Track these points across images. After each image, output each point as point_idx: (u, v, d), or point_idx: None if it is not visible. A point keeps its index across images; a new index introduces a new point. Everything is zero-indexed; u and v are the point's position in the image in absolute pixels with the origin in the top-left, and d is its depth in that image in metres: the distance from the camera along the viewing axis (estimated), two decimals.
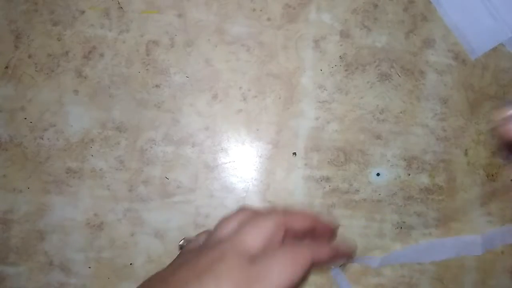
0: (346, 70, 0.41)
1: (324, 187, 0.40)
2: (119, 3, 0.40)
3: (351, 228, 0.40)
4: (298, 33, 0.41)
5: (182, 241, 0.26)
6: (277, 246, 0.22)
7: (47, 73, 0.39)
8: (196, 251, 0.23)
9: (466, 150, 0.41)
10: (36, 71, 0.39)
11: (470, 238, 0.41)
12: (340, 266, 0.39)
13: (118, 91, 0.39)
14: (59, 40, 0.39)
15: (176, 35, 0.40)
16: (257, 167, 0.40)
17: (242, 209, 0.25)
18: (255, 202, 0.40)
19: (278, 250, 0.22)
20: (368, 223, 0.40)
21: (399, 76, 0.41)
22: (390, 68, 0.41)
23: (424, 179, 0.41)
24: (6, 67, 0.39)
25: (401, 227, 0.41)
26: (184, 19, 0.40)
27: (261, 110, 0.40)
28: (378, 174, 0.40)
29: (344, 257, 0.25)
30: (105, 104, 0.39)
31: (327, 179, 0.40)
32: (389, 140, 0.41)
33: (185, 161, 0.39)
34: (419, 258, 0.41)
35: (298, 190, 0.40)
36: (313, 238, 0.25)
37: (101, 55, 0.39)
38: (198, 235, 0.26)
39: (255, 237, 0.22)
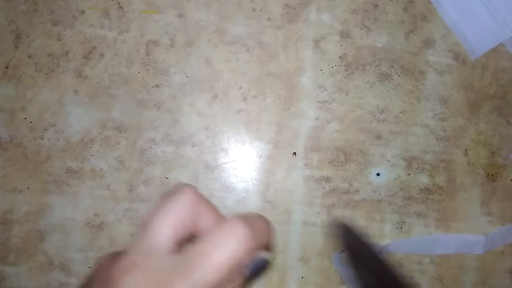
0: (346, 70, 0.41)
1: (324, 187, 0.40)
2: (119, 3, 0.40)
3: None
4: (298, 33, 0.41)
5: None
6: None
7: (47, 73, 0.39)
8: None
9: (466, 150, 0.41)
10: (36, 71, 0.39)
11: (474, 238, 0.41)
12: (341, 252, 0.39)
13: (118, 91, 0.39)
14: (59, 40, 0.39)
15: (176, 35, 0.40)
16: (257, 167, 0.40)
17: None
18: (255, 202, 0.40)
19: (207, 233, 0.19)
20: (368, 223, 0.40)
21: (399, 76, 0.41)
22: (390, 68, 0.41)
23: (424, 179, 0.41)
24: (6, 67, 0.39)
25: (401, 227, 0.41)
26: (184, 19, 0.40)
27: (261, 110, 0.40)
28: (378, 174, 0.40)
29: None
30: (105, 104, 0.39)
31: (327, 179, 0.40)
32: (389, 140, 0.41)
33: (185, 161, 0.39)
34: (420, 249, 0.40)
35: (298, 190, 0.40)
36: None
37: (101, 55, 0.39)
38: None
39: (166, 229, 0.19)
